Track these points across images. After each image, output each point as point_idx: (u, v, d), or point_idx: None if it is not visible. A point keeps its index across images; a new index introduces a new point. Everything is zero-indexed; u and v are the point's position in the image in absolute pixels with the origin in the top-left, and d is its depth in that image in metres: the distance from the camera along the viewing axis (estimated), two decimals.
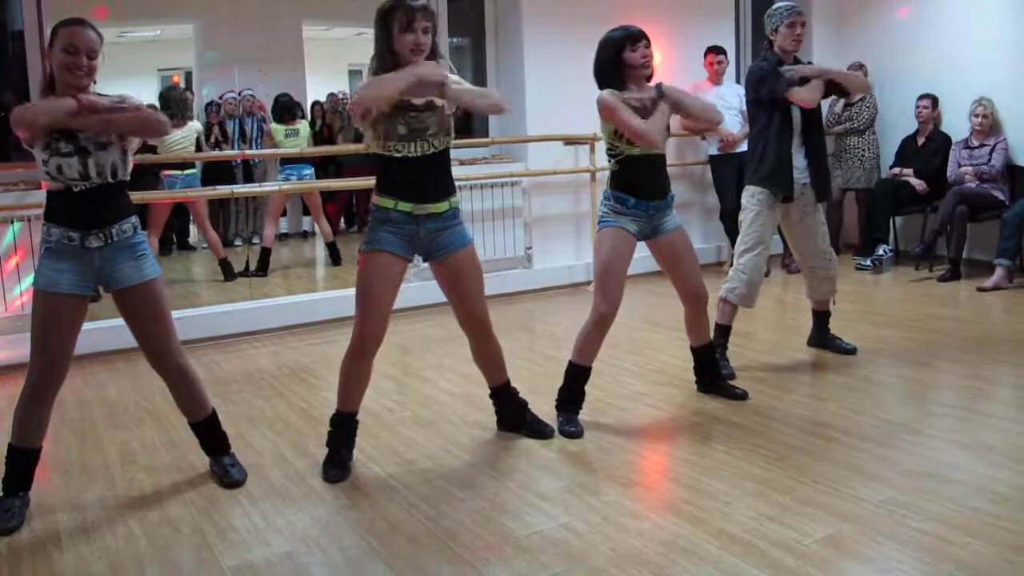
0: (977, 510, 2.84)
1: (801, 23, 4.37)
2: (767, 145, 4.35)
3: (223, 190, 6.50)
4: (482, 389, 4.19)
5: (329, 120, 8.90)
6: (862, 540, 2.68)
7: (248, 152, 7.92)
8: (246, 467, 3.40)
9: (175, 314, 5.49)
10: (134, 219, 3.11)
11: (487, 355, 3.67)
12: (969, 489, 3.01)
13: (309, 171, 7.23)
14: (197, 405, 3.32)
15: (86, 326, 5.22)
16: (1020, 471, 3.17)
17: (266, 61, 8.16)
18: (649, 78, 3.72)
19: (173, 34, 8.68)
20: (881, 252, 7.12)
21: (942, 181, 6.96)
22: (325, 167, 8.05)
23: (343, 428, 3.43)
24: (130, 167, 3.09)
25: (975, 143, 6.82)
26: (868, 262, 7.10)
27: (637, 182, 3.72)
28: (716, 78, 7.20)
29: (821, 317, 4.79)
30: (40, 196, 5.04)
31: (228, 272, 6.78)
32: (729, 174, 7.12)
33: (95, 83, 3.04)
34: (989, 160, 6.70)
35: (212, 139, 7.73)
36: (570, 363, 3.84)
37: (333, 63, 9.71)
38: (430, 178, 3.28)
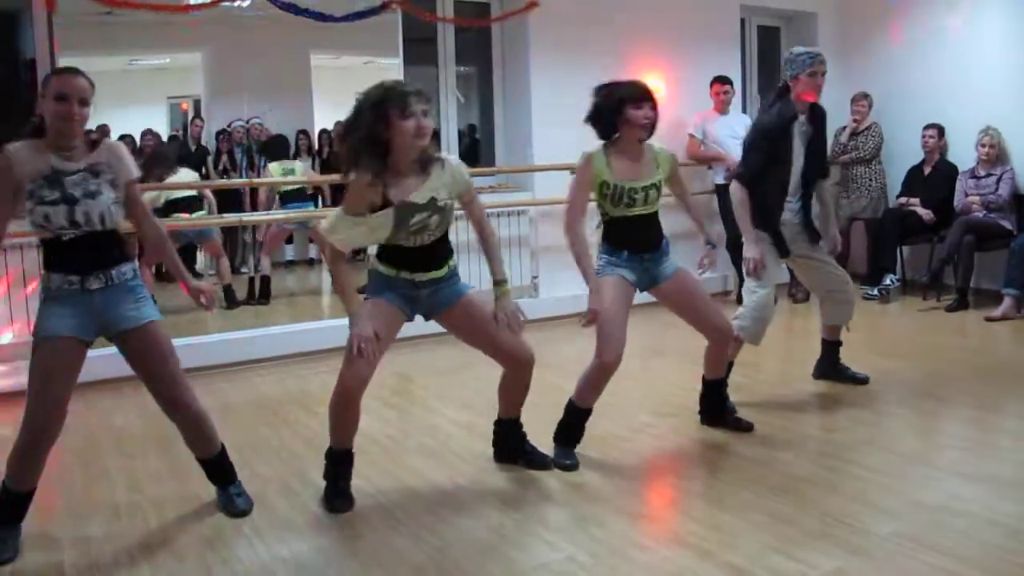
0: (986, 543, 2.82)
1: (823, 72, 4.21)
2: (764, 197, 4.27)
3: (231, 218, 6.51)
4: (487, 420, 4.18)
5: (336, 148, 8.93)
6: (869, 573, 2.66)
7: (248, 181, 7.91)
8: (251, 495, 3.39)
9: (181, 341, 5.54)
10: (133, 263, 3.13)
11: (515, 388, 3.64)
12: (978, 522, 2.99)
13: (310, 207, 7.27)
14: (207, 443, 3.31)
15: (92, 352, 5.25)
16: None
17: (274, 89, 8.21)
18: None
19: (182, 62, 8.73)
20: (888, 282, 7.10)
21: (949, 211, 6.95)
22: (334, 197, 8.07)
23: (339, 464, 3.40)
24: (121, 214, 3.06)
25: (982, 172, 6.82)
26: (875, 292, 7.09)
27: (625, 239, 3.70)
28: (722, 107, 7.22)
29: (831, 347, 4.73)
30: None
31: (231, 299, 6.78)
32: None
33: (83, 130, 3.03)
34: (996, 190, 6.70)
35: (220, 167, 7.77)
36: (570, 402, 3.81)
37: (341, 92, 9.75)
38: (430, 256, 3.34)
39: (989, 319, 6.18)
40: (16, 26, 5.52)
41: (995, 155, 6.77)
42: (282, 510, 3.31)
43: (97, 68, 7.35)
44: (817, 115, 4.32)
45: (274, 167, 7.40)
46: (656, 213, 3.76)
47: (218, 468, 3.37)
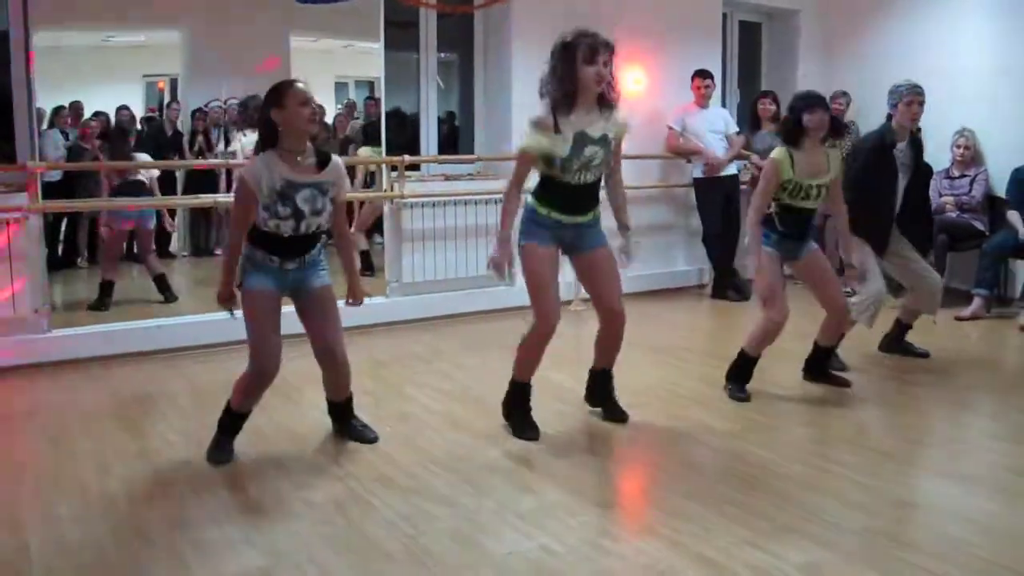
0: (956, 539, 2.84)
1: (920, 102, 4.78)
2: (876, 211, 4.82)
3: (206, 199, 6.44)
4: (461, 406, 4.19)
5: (315, 132, 8.87)
6: (841, 568, 2.67)
7: (196, 163, 7.79)
8: (222, 479, 3.37)
9: (155, 322, 5.51)
10: (321, 242, 3.65)
11: (612, 344, 4.01)
12: (947, 517, 3.02)
13: None
14: (343, 390, 3.84)
15: (60, 332, 5.19)
16: (999, 500, 3.18)
17: (252, 71, 8.13)
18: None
19: (159, 40, 8.62)
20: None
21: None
22: None
23: (520, 395, 3.90)
24: (329, 216, 3.56)
25: (956, 173, 6.88)
26: (847, 289, 7.12)
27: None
28: (702, 101, 7.23)
29: (903, 328, 5.20)
30: (20, 199, 5.01)
31: (164, 289, 6.60)
32: (713, 197, 7.15)
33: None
34: (970, 191, 6.76)
35: (196, 147, 7.69)
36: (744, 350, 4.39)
37: (320, 75, 9.68)
38: (584, 199, 3.74)
39: (959, 318, 6.24)
40: None
41: (969, 156, 6.83)
42: (254, 495, 3.28)
43: (72, 43, 7.28)
44: (915, 143, 4.95)
45: (366, 150, 7.27)
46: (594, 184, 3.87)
47: (344, 410, 3.89)
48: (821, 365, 4.63)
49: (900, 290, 6.26)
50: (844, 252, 4.59)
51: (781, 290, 4.26)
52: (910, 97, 4.78)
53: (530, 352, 3.86)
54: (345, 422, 3.89)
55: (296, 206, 3.40)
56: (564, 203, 3.72)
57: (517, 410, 3.90)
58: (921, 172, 5.04)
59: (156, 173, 6.63)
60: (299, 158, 3.43)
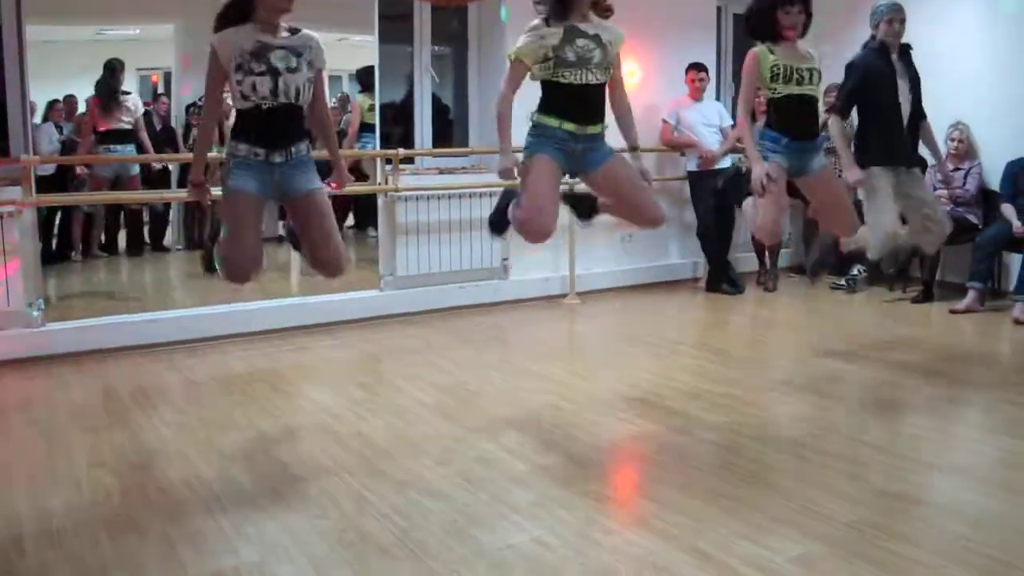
0: (948, 532, 2.85)
1: (900, 20, 4.81)
2: (880, 130, 4.78)
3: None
4: (454, 400, 4.19)
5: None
6: (834, 560, 2.68)
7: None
8: (216, 473, 3.38)
9: (147, 316, 5.50)
10: (307, 140, 3.61)
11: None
12: (940, 510, 3.03)
13: None
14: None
15: (54, 326, 5.18)
16: (991, 493, 3.19)
17: None
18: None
19: (153, 34, 8.60)
20: (855, 272, 7.16)
21: None
22: None
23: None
24: (311, 94, 3.53)
25: (950, 167, 6.88)
26: (842, 282, 7.14)
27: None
28: (697, 95, 7.23)
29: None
30: (15, 192, 5.00)
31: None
32: (707, 191, 7.15)
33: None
34: (964, 184, 6.77)
35: (191, 140, 7.66)
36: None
37: None
38: (591, 105, 3.75)
39: (953, 311, 6.25)
40: None
41: (964, 150, 6.83)
42: (248, 488, 3.28)
43: (65, 37, 7.25)
44: (904, 54, 4.92)
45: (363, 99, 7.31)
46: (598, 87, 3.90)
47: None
48: (828, 260, 4.69)
49: (892, 282, 6.29)
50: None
51: (781, 211, 4.23)
52: (890, 15, 4.81)
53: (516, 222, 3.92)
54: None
55: (271, 63, 3.38)
56: (570, 107, 3.72)
57: (497, 212, 4.08)
58: (915, 90, 4.97)
59: (141, 111, 6.73)
60: (271, 28, 3.45)
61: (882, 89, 4.78)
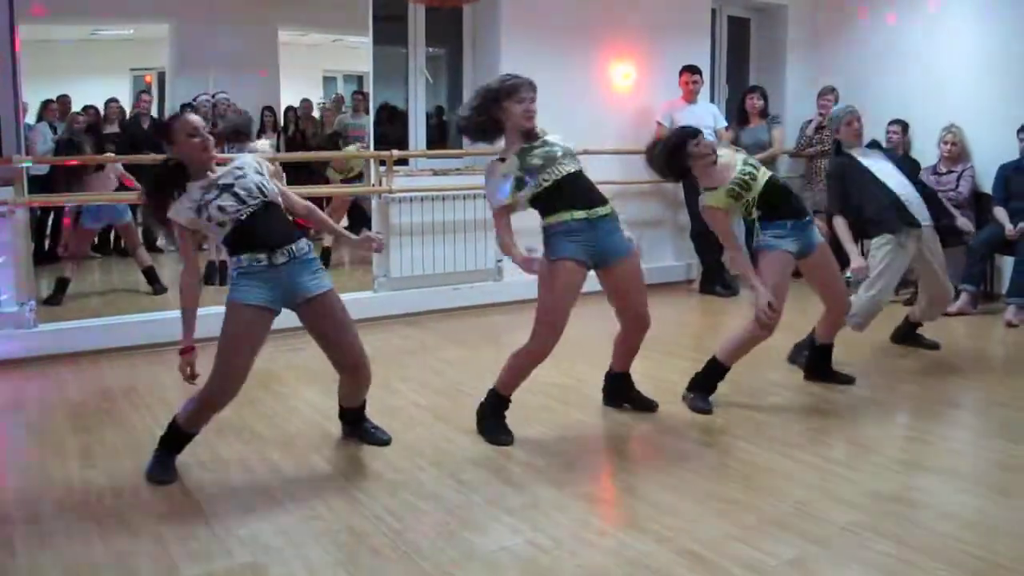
0: (942, 534, 2.85)
1: (858, 119, 5.10)
2: (867, 214, 4.96)
3: None
4: (448, 401, 4.19)
5: (302, 126, 8.83)
6: (828, 562, 2.68)
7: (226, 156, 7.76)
8: (209, 474, 3.37)
9: (142, 316, 5.49)
10: (305, 239, 3.45)
11: (633, 348, 4.09)
12: (934, 513, 3.03)
13: None
14: (358, 398, 3.72)
15: (47, 326, 5.17)
16: (984, 495, 3.19)
17: (241, 65, 8.09)
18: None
19: (147, 34, 8.58)
20: (849, 275, 7.16)
21: None
22: (298, 173, 7.98)
23: (499, 407, 3.83)
24: (274, 188, 3.43)
25: (943, 169, 6.91)
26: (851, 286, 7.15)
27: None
28: (691, 97, 7.23)
29: (913, 325, 5.40)
30: (6, 193, 4.98)
31: (153, 280, 6.55)
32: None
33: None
34: (956, 187, 6.79)
35: None
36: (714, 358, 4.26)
37: (308, 69, 9.65)
38: (585, 187, 3.75)
39: (946, 314, 6.23)
40: None
41: (957, 153, 6.85)
42: (242, 490, 3.27)
43: (58, 37, 7.23)
44: (873, 148, 5.20)
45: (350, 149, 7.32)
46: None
47: (355, 415, 3.77)
48: (824, 365, 4.63)
49: (904, 285, 6.31)
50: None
51: (783, 301, 4.11)
52: (848, 118, 5.08)
53: (521, 370, 3.83)
54: (358, 425, 3.78)
55: (218, 185, 3.30)
56: (573, 199, 3.68)
57: (491, 417, 3.84)
58: (908, 166, 5.17)
59: (120, 167, 6.58)
60: (207, 174, 3.37)
61: (865, 181, 4.95)
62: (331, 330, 3.45)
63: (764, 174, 4.16)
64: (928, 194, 5.15)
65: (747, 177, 4.11)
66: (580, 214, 3.66)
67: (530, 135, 3.75)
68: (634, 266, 3.86)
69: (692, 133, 4.15)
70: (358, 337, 3.51)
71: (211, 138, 3.37)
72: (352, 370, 3.53)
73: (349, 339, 3.47)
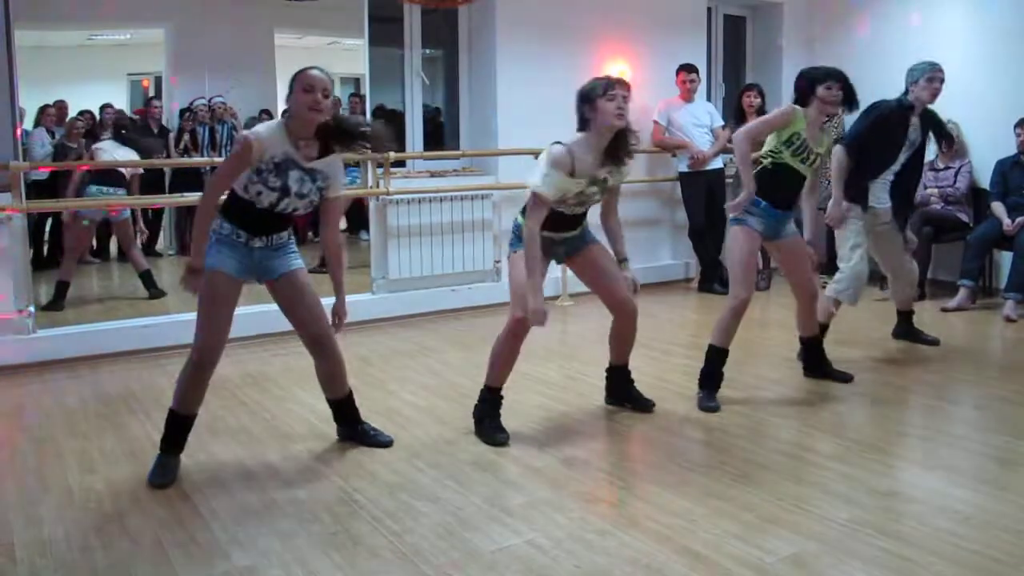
0: (940, 530, 2.86)
1: (940, 79, 4.88)
2: (865, 173, 4.90)
3: (192, 198, 6.42)
4: (446, 402, 4.21)
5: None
6: (826, 559, 2.68)
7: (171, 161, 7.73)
8: (207, 478, 3.37)
9: (140, 321, 5.49)
10: (290, 228, 3.54)
11: (625, 336, 4.07)
12: (932, 509, 3.03)
13: None
14: (340, 385, 3.72)
15: (45, 332, 5.18)
16: (982, 491, 3.19)
17: (237, 68, 8.10)
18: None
19: (143, 38, 8.59)
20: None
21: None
22: None
23: (493, 404, 3.84)
24: (308, 210, 3.49)
25: (941, 165, 6.91)
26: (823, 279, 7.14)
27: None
28: (688, 96, 7.24)
29: (906, 315, 5.42)
30: (4, 199, 4.98)
31: (150, 285, 6.56)
32: (698, 192, 7.16)
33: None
34: (954, 183, 6.79)
35: (182, 145, 7.66)
36: (711, 347, 4.28)
37: None
38: (573, 221, 3.82)
39: (945, 309, 6.27)
40: None
41: (954, 148, 6.85)
42: (239, 493, 3.27)
43: (55, 43, 7.24)
44: (928, 120, 4.98)
45: None
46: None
47: (346, 410, 3.77)
48: (818, 359, 4.64)
49: (883, 280, 6.32)
50: (809, 232, 4.53)
51: (755, 267, 4.23)
52: (931, 74, 4.87)
53: (505, 356, 3.81)
54: (354, 426, 3.77)
55: (285, 182, 3.31)
56: (554, 225, 3.74)
57: (487, 418, 3.84)
58: (922, 150, 5.09)
59: (137, 168, 6.61)
60: (302, 143, 3.34)
61: (886, 148, 4.88)
62: (297, 302, 3.53)
63: (805, 169, 4.26)
64: (905, 192, 5.11)
65: (806, 154, 4.21)
66: (548, 234, 3.74)
67: (618, 150, 3.70)
68: (598, 251, 3.90)
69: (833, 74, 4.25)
70: (324, 314, 3.56)
71: (326, 104, 3.30)
72: (317, 342, 3.57)
73: (315, 312, 3.54)
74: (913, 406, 4.34)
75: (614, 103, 3.56)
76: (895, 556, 2.69)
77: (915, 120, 4.93)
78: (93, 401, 4.45)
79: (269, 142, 3.27)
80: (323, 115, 3.31)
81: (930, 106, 4.97)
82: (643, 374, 4.37)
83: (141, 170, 6.72)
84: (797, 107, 4.22)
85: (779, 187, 4.23)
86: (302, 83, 3.28)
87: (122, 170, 6.54)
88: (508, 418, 3.84)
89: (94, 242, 7.36)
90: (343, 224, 7.70)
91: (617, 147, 3.68)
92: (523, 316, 3.69)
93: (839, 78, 4.24)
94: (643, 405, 4.14)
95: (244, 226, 3.38)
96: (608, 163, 3.69)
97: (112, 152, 6.47)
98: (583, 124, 3.66)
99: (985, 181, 6.76)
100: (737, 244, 4.23)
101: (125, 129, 6.94)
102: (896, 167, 4.97)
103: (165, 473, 3.38)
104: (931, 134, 5.07)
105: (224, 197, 3.43)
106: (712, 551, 2.74)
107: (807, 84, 4.25)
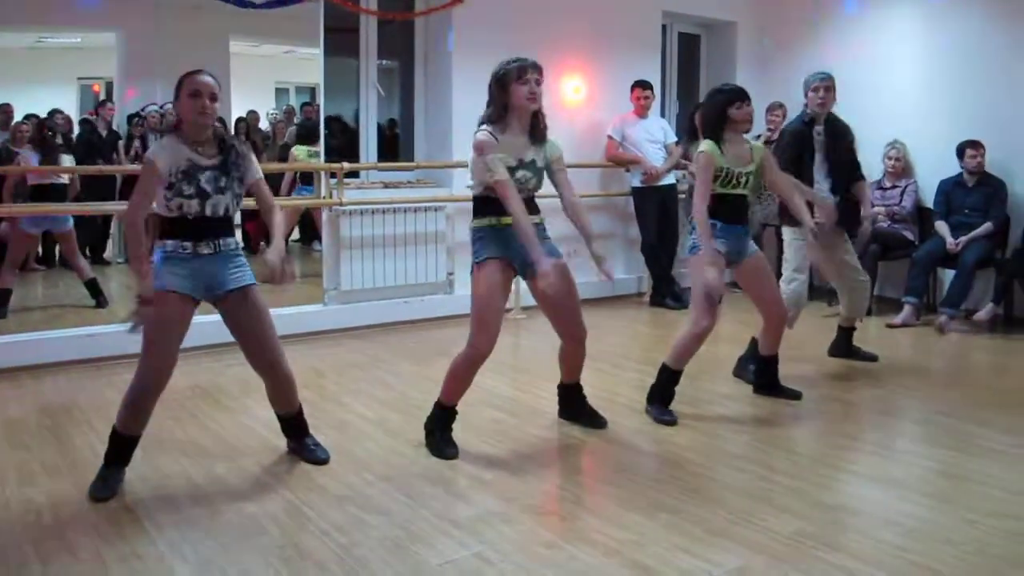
0: (884, 542, 2.90)
1: (826, 87, 5.04)
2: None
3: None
4: (398, 415, 4.18)
5: (252, 137, 8.78)
6: (772, 572, 2.71)
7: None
8: (153, 491, 3.31)
9: (85, 330, 5.39)
10: (237, 236, 3.51)
11: (575, 359, 4.06)
12: (876, 521, 3.07)
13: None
14: (289, 402, 3.67)
15: None
16: (925, 504, 3.25)
17: None
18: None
19: (95, 42, 8.47)
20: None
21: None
22: None
23: (445, 419, 3.81)
24: (239, 207, 3.47)
25: (887, 184, 7.04)
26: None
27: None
28: (642, 112, 7.29)
29: (847, 332, 5.45)
30: None
31: (96, 293, 6.48)
32: (651, 207, 7.21)
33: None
34: (900, 201, 6.92)
35: (132, 152, 7.55)
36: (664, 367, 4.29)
37: (259, 80, 9.59)
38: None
39: (890, 326, 6.37)
40: None
41: (900, 168, 6.99)
42: (185, 507, 3.22)
43: (3, 44, 7.11)
44: (832, 127, 5.10)
45: (300, 149, 7.36)
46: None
47: (295, 424, 3.73)
48: (772, 378, 4.64)
49: (833, 296, 6.41)
50: (796, 211, 4.51)
51: (719, 296, 4.20)
52: (816, 84, 5.04)
53: (461, 376, 3.78)
54: (300, 439, 3.72)
55: (199, 186, 3.28)
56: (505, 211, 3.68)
57: (438, 431, 3.82)
58: (841, 159, 5.11)
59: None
60: (200, 148, 3.32)
61: (802, 164, 4.99)
62: (248, 324, 3.45)
63: (740, 191, 4.28)
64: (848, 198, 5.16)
65: (736, 179, 4.24)
66: (507, 220, 3.66)
67: (535, 132, 3.78)
68: (560, 272, 3.75)
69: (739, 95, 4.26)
70: (276, 336, 3.51)
71: (213, 108, 3.30)
72: (269, 368, 3.52)
73: (267, 335, 3.48)
74: (858, 420, 4.40)
75: (527, 87, 3.65)
76: (840, 568, 2.72)
77: (819, 129, 5.07)
78: (34, 412, 4.36)
79: (168, 155, 3.27)
80: (210, 120, 3.31)
81: (835, 113, 5.14)
82: (594, 388, 4.39)
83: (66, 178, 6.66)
84: (707, 146, 4.19)
85: (725, 209, 4.24)
86: (188, 88, 3.29)
87: (67, 182, 6.44)
88: (460, 431, 3.83)
89: (40, 249, 7.22)
90: (295, 235, 7.67)
91: (535, 128, 3.76)
92: (484, 348, 3.69)
93: (744, 95, 4.27)
94: (597, 422, 4.12)
95: (186, 237, 3.32)
96: (532, 145, 3.76)
97: (31, 160, 6.38)
98: (503, 108, 3.70)
99: (930, 200, 6.89)
100: (697, 271, 4.20)
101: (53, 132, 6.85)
102: (823, 178, 5.05)
103: (107, 486, 3.31)
104: (835, 138, 5.11)
105: (159, 225, 3.39)
106: (660, 564, 2.75)
107: (715, 113, 4.26)
